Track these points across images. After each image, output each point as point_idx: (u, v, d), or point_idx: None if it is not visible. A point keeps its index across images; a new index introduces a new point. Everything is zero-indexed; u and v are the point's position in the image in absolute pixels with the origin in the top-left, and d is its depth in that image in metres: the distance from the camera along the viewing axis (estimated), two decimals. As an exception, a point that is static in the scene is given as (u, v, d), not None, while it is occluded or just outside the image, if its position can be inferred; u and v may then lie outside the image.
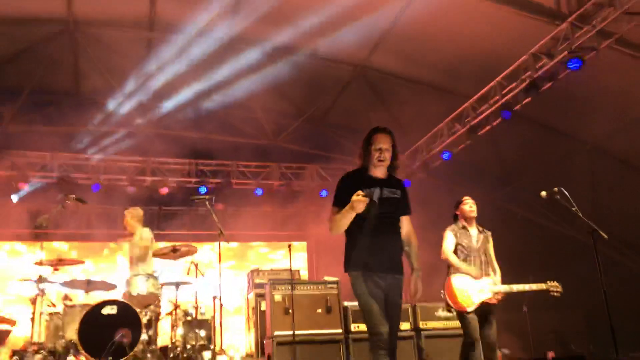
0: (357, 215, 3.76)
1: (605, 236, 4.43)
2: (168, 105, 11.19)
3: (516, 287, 5.28)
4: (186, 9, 9.31)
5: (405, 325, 6.66)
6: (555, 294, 5.30)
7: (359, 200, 3.64)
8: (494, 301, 5.23)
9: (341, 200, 3.85)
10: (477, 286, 5.21)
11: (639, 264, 10.60)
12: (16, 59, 10.14)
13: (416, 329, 6.84)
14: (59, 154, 10.42)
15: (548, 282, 5.34)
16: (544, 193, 4.75)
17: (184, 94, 11.07)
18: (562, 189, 4.61)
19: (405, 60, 10.34)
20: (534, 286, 5.33)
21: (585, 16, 7.22)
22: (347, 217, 3.78)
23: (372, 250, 3.86)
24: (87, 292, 6.47)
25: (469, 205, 5.52)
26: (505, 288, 5.27)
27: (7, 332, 7.10)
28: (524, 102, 8.39)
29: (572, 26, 7.35)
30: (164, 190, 10.86)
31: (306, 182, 11.87)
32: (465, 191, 10.87)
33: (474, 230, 5.51)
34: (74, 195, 6.35)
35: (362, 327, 6.31)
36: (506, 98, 8.56)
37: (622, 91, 8.85)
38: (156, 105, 11.25)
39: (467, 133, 9.52)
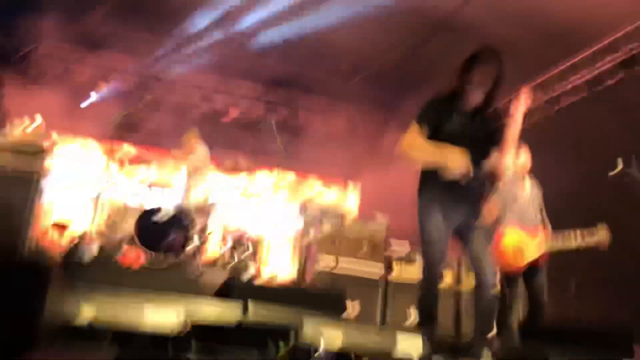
0: None
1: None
2: (249, 25, 11.16)
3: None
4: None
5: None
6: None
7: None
8: None
9: (426, 121, 3.56)
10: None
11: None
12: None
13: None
14: (139, 60, 10.65)
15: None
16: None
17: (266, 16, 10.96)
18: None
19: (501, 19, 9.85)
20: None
21: None
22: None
23: None
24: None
25: None
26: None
27: (65, 226, 7.56)
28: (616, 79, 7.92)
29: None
30: (233, 113, 11.06)
31: (373, 127, 11.81)
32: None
33: None
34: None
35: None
36: (597, 72, 8.09)
37: None
38: (238, 25, 11.23)
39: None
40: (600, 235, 5.03)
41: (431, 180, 3.53)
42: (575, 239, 5.07)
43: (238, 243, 6.72)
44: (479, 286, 3.44)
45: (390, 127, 11.79)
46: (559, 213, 5.48)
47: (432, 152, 3.48)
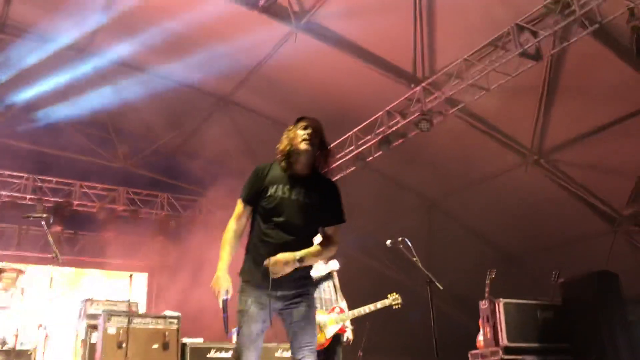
0: None
1: (441, 287, 4.76)
2: (6, 110, 10.28)
3: (364, 310, 5.44)
4: (38, 14, 8.79)
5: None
6: (397, 306, 5.51)
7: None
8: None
9: (243, 194, 3.33)
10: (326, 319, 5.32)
11: (465, 315, 11.50)
12: None
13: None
14: None
15: (389, 295, 5.55)
16: (389, 242, 5.01)
17: (27, 100, 10.25)
18: (406, 239, 4.89)
19: (269, 100, 10.55)
20: (379, 304, 5.51)
21: (437, 83, 7.92)
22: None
23: None
24: None
25: None
26: (354, 312, 5.42)
27: None
28: (376, 155, 8.88)
29: (425, 91, 8.00)
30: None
31: (155, 211, 11.44)
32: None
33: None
34: None
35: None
36: (361, 149, 9.00)
37: (462, 156, 9.74)
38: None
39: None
40: (391, 300, 5.49)
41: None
42: (369, 308, 5.43)
43: (7, 356, 5.82)
44: None
45: (173, 208, 11.58)
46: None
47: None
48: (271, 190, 3.28)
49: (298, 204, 3.27)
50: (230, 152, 11.48)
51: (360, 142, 9.02)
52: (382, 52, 8.51)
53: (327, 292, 5.48)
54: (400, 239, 4.94)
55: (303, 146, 3.28)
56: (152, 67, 9.90)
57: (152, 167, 11.85)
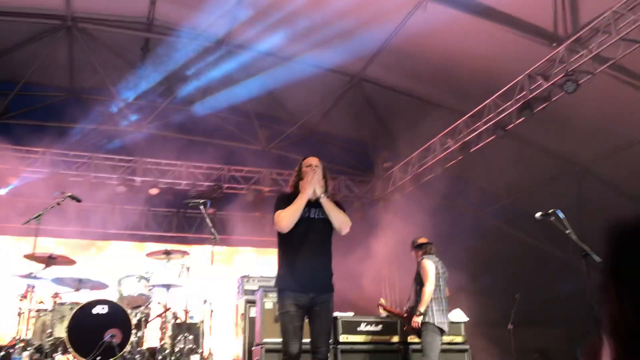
0: None
1: (599, 259, 4.51)
2: (162, 105, 11.23)
3: None
4: (184, 11, 9.41)
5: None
6: None
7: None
8: None
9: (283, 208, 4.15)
10: None
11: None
12: (12, 51, 10.10)
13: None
14: (50, 150, 10.34)
15: None
16: (538, 215, 4.82)
17: (178, 95, 11.14)
18: (558, 211, 4.67)
19: (400, 74, 10.48)
20: None
21: (582, 40, 7.38)
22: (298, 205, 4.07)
23: None
24: (77, 290, 6.43)
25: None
26: None
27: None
28: (517, 122, 8.51)
29: (569, 50, 7.49)
30: (154, 191, 10.83)
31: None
32: (455, 206, 11.03)
33: None
34: (70, 193, 6.31)
35: (352, 337, 6.40)
36: (500, 117, 8.68)
37: (614, 115, 9.02)
38: (150, 105, 11.27)
39: (459, 149, 9.62)
40: None
41: None
42: None
43: (179, 328, 6.47)
44: None
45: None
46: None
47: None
48: None
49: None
50: (364, 129, 11.61)
51: (500, 110, 8.69)
52: (518, 12, 8.08)
53: None
54: (551, 211, 4.73)
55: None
56: (290, 54, 10.24)
57: (291, 148, 12.31)
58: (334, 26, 8.96)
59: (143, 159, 10.91)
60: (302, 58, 10.21)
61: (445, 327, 5.88)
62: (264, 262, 11.06)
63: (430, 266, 5.99)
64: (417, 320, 5.82)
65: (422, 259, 6.10)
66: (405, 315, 6.35)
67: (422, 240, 6.39)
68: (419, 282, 6.03)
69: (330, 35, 9.15)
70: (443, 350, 6.05)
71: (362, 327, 6.52)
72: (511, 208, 11.63)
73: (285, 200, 4.20)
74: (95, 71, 10.39)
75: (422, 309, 5.82)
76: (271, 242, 11.55)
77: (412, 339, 6.50)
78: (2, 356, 5.77)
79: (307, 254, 4.11)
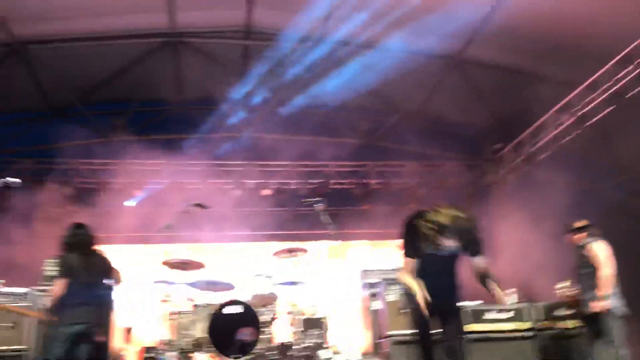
0: None
1: None
2: (266, 109, 11.55)
3: None
4: (282, 16, 9.62)
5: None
6: None
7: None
8: None
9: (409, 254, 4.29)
10: None
11: None
12: (123, 72, 10.79)
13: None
14: (171, 161, 10.96)
15: None
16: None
17: (280, 97, 11.41)
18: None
19: (502, 50, 10.08)
20: None
21: None
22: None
23: None
24: (208, 291, 6.80)
25: None
26: None
27: (129, 330, 7.64)
28: (637, 89, 7.95)
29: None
30: (266, 192, 11.22)
31: (404, 180, 11.84)
32: (573, 182, 10.42)
33: None
34: (196, 201, 6.70)
35: (473, 327, 6.29)
36: (618, 85, 8.15)
37: None
38: (255, 110, 11.64)
39: (574, 123, 9.14)
40: None
41: None
42: None
43: (306, 324, 6.67)
44: None
45: (422, 175, 11.82)
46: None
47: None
48: None
49: None
50: (468, 112, 11.31)
51: (618, 77, 8.15)
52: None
53: None
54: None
55: None
56: (381, 43, 10.16)
57: (392, 138, 12.24)
58: (429, 11, 8.79)
59: (253, 162, 11.32)
60: (399, 46, 10.10)
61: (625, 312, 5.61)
62: (379, 255, 11.12)
63: (605, 249, 5.70)
64: (602, 304, 5.51)
65: (589, 241, 5.83)
66: (575, 301, 6.04)
67: (581, 223, 6.05)
68: (586, 265, 5.75)
69: (426, 20, 8.99)
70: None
71: (488, 316, 6.40)
72: (635, 181, 10.88)
73: (411, 235, 4.30)
74: (201, 82, 10.88)
75: (605, 293, 5.50)
76: (384, 234, 11.74)
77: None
78: (150, 357, 6.23)
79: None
